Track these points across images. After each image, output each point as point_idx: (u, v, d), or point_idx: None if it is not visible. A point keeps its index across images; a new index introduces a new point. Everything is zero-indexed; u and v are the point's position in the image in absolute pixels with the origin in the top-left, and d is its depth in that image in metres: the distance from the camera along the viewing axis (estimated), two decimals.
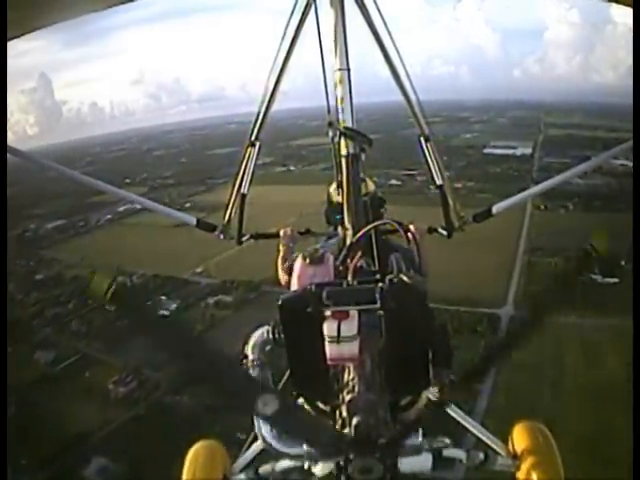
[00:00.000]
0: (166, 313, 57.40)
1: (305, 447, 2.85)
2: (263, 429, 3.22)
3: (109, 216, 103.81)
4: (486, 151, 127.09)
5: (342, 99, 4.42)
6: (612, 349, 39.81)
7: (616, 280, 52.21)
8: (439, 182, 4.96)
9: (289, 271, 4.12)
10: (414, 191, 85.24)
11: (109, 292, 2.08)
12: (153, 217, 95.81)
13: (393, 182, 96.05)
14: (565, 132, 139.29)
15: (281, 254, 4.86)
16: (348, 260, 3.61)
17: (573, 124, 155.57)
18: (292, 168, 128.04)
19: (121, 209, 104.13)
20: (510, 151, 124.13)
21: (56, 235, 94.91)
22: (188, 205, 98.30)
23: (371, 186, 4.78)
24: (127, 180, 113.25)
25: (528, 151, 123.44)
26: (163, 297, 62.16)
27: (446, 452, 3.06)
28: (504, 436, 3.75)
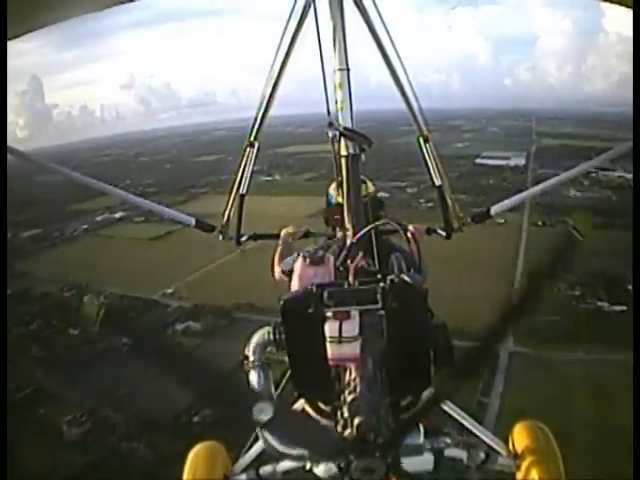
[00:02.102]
0: (129, 341, 53.02)
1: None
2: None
3: (86, 226, 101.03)
4: (478, 161, 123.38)
5: (342, 99, 4.34)
6: (625, 391, 35.24)
7: (624, 308, 49.34)
8: (438, 183, 4.98)
9: (289, 272, 3.97)
10: (403, 204, 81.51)
11: (99, 317, 2.04)
12: (129, 229, 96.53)
13: (381, 194, 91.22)
14: (559, 142, 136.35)
15: (279, 250, 4.82)
16: (348, 260, 3.63)
17: (566, 134, 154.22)
18: (277, 177, 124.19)
19: (99, 219, 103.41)
20: (503, 162, 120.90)
21: (31, 246, 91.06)
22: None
23: (371, 187, 4.84)
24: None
25: (521, 162, 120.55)
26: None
27: (447, 452, 3.07)
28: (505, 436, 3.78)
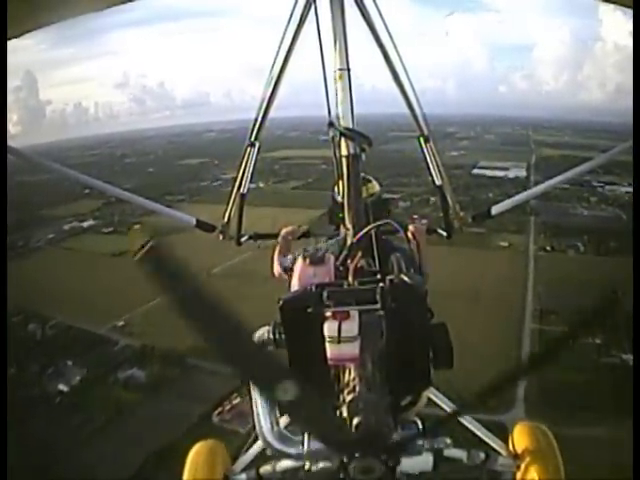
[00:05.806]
0: (65, 389, 45.41)
1: (306, 446, 2.82)
2: (264, 429, 3.03)
3: (52, 235, 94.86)
4: (475, 172, 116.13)
5: (342, 99, 4.33)
6: None
7: None
8: (438, 182, 5.03)
9: (289, 270, 4.15)
10: (395, 220, 73.64)
11: (140, 252, 1.88)
12: (95, 241, 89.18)
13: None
14: (559, 152, 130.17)
15: (278, 248, 4.91)
16: (348, 260, 3.61)
17: (565, 143, 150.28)
18: (261, 185, 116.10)
19: (66, 227, 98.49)
20: (502, 172, 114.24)
21: None
22: (137, 227, 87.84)
23: (376, 187, 4.81)
24: (86, 191, 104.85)
25: (522, 173, 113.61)
26: (69, 362, 49.56)
27: (447, 452, 3.02)
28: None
